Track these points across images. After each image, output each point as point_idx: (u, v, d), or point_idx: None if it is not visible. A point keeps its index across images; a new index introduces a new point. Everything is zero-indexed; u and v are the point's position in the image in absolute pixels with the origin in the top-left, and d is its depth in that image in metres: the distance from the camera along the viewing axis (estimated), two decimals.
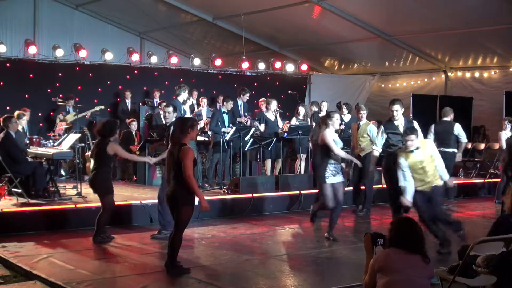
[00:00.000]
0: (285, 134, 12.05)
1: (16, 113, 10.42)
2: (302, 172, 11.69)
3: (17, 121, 9.70)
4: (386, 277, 4.00)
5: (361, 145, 10.15)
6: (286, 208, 10.54)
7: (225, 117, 11.62)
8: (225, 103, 11.96)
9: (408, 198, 7.06)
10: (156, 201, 8.41)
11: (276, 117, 12.10)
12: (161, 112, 12.77)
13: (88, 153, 11.75)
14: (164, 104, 9.57)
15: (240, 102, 12.86)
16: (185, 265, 6.44)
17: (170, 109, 8.41)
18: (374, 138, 9.66)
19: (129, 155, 9.14)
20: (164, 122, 9.06)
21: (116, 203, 9.17)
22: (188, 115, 10.80)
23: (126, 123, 13.30)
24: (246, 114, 12.90)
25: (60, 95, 13.26)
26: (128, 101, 14.38)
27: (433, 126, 10.81)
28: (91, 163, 11.42)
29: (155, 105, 13.74)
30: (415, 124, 8.62)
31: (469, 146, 14.69)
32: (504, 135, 11.18)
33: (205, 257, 7.05)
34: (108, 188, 7.72)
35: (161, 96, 14.34)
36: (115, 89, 14.66)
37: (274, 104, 12.05)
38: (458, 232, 7.18)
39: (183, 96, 10.78)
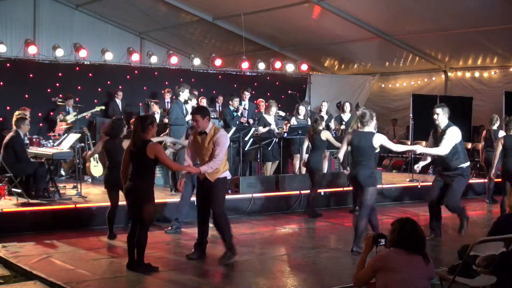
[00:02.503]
0: (285, 134, 12.05)
1: (17, 112, 10.40)
2: (303, 172, 11.68)
3: (29, 124, 9.71)
4: (386, 277, 4.01)
5: None
6: (286, 208, 10.54)
7: (234, 114, 11.79)
8: (230, 101, 11.99)
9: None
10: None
11: (275, 120, 12.14)
12: (157, 112, 12.77)
13: (88, 153, 11.76)
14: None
15: (244, 102, 12.87)
16: (185, 265, 6.44)
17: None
18: None
19: None
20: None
21: None
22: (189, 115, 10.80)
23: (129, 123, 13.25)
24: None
25: (60, 95, 13.26)
26: (119, 101, 14.36)
27: None
28: (91, 163, 11.49)
29: (166, 106, 13.66)
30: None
31: (469, 146, 14.70)
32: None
33: (205, 257, 7.03)
34: (119, 185, 7.71)
35: (158, 97, 14.29)
36: (115, 89, 14.66)
37: (273, 110, 12.05)
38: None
39: (183, 95, 10.80)
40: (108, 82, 14.86)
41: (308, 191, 10.22)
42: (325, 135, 9.92)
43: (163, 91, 14.27)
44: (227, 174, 6.85)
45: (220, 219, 6.74)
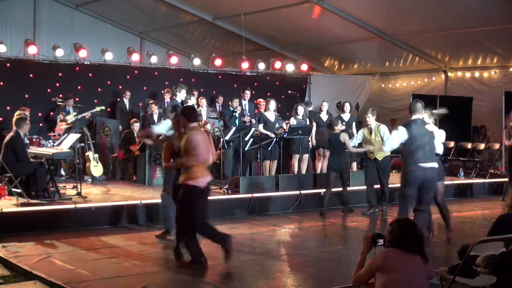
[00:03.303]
0: (285, 134, 12.03)
1: (17, 112, 10.40)
2: (303, 172, 11.68)
3: (29, 124, 9.72)
4: (385, 277, 4.01)
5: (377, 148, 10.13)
6: (286, 208, 10.54)
7: (233, 114, 11.83)
8: (230, 102, 12.00)
9: None
10: (156, 201, 8.46)
11: (275, 117, 12.13)
12: (155, 112, 12.77)
13: (88, 153, 11.77)
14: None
15: (244, 102, 12.87)
16: (185, 265, 6.43)
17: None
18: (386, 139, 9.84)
19: None
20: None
21: (116, 203, 9.21)
22: None
23: (129, 123, 13.23)
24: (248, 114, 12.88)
25: (60, 95, 13.26)
26: (126, 101, 14.36)
27: None
28: (91, 163, 11.46)
29: (166, 106, 13.65)
30: None
31: (469, 146, 14.70)
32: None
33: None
34: None
35: (158, 97, 14.26)
36: (115, 89, 14.65)
37: (273, 104, 12.05)
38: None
39: (180, 95, 10.83)
40: (108, 82, 14.86)
41: (310, 191, 10.41)
42: (343, 136, 10.03)
43: (163, 91, 14.26)
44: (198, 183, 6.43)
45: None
